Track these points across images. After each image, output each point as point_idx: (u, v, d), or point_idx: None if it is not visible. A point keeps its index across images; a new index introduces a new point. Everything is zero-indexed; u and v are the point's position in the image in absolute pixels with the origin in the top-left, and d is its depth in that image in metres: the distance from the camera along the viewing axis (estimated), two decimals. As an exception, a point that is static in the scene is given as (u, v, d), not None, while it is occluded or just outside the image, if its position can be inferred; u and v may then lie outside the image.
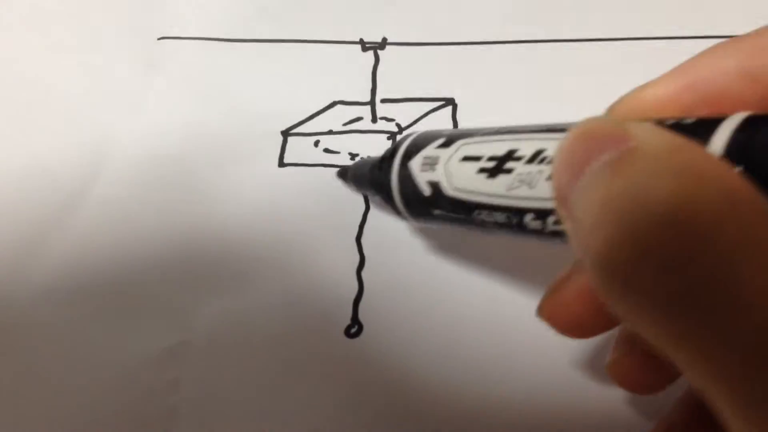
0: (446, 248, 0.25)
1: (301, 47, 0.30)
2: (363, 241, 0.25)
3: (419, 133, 0.20)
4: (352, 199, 0.26)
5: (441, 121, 0.27)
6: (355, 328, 0.23)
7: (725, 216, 0.10)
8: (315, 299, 0.24)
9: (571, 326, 0.17)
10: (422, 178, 0.19)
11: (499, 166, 0.16)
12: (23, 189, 0.27)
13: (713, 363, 0.10)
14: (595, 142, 0.12)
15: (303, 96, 0.28)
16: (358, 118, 0.28)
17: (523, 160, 0.15)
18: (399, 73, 0.29)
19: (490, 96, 0.28)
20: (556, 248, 0.17)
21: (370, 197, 0.26)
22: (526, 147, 0.16)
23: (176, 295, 0.24)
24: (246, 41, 0.30)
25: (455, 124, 0.27)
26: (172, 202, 0.26)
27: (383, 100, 0.28)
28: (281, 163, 0.27)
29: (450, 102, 0.28)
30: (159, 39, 0.30)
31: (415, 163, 0.19)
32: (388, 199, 0.21)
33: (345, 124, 0.28)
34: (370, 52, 0.29)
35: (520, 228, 0.16)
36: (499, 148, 0.16)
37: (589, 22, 0.29)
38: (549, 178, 0.15)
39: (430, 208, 0.19)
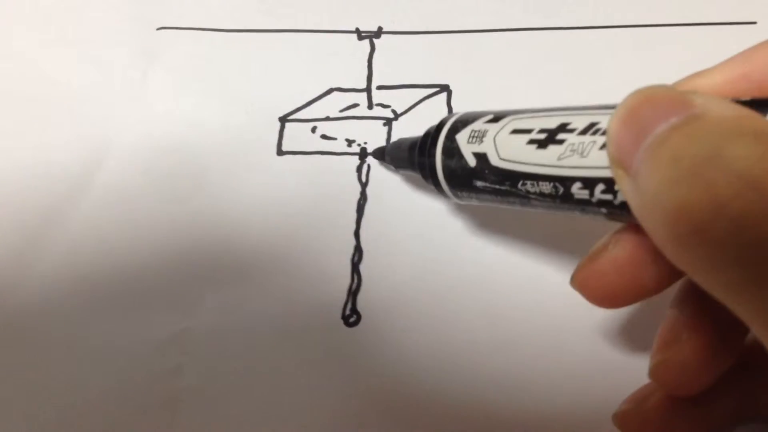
0: (443, 241, 0.25)
1: (298, 37, 0.30)
2: (361, 233, 0.25)
3: (464, 112, 0.21)
4: (350, 191, 0.26)
5: (436, 108, 0.28)
6: (353, 317, 0.24)
7: None
8: (315, 289, 0.24)
9: (604, 295, 0.18)
10: (468, 150, 0.19)
11: (550, 138, 0.17)
12: (27, 180, 0.27)
13: None
14: (659, 106, 0.13)
15: (300, 84, 0.29)
16: (355, 105, 0.28)
17: (575, 132, 0.16)
18: (394, 61, 0.29)
19: (484, 83, 0.28)
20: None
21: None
22: (578, 121, 0.16)
23: (179, 282, 0.25)
24: (244, 31, 0.30)
25: (450, 110, 0.28)
26: (173, 191, 0.27)
27: (379, 87, 0.28)
28: (279, 152, 0.27)
29: (445, 88, 0.28)
30: (158, 29, 0.30)
31: (462, 136, 0.20)
32: (429, 175, 0.21)
33: (342, 111, 0.28)
34: (366, 41, 0.30)
35: (566, 198, 0.16)
36: (551, 122, 0.17)
37: (585, 9, 0.29)
38: (602, 147, 0.15)
39: (473, 179, 0.19)
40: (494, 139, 0.19)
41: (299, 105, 0.28)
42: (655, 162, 0.13)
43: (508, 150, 0.18)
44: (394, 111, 0.28)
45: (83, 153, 0.28)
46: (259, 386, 0.23)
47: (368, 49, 0.29)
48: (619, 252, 0.17)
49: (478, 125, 0.19)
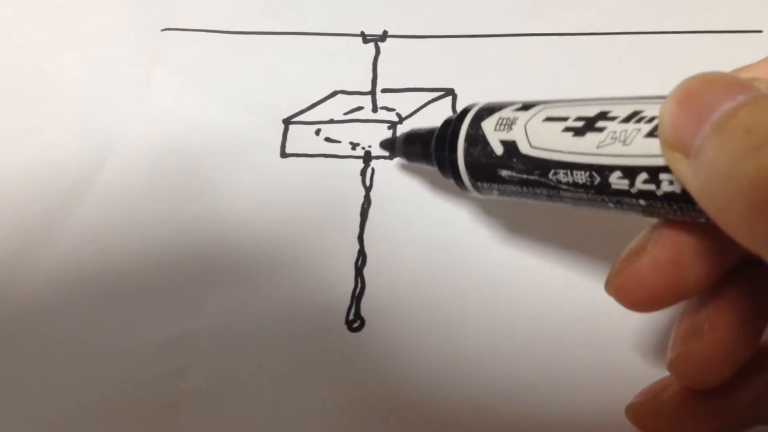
0: (448, 246, 0.25)
1: (303, 39, 0.30)
2: (365, 237, 0.25)
3: (486, 102, 0.20)
4: (354, 194, 0.26)
5: (441, 111, 0.28)
6: (357, 322, 0.24)
7: None
8: (318, 293, 0.24)
9: (644, 299, 0.17)
10: (495, 137, 0.19)
11: (588, 125, 0.16)
12: (30, 179, 0.27)
13: None
14: (722, 87, 0.13)
15: (305, 86, 0.29)
16: (359, 108, 0.28)
17: (617, 120, 0.15)
18: (399, 65, 0.29)
19: (489, 87, 0.28)
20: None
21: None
22: (619, 109, 0.16)
23: (181, 284, 0.25)
24: (248, 33, 0.30)
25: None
26: (176, 192, 0.27)
27: (384, 90, 0.28)
28: (283, 154, 0.27)
29: (450, 92, 0.28)
30: (162, 30, 0.30)
31: (488, 124, 0.19)
32: (448, 165, 0.21)
33: (346, 114, 0.28)
34: (371, 44, 0.30)
35: (601, 189, 0.16)
36: (588, 110, 0.16)
37: (591, 15, 0.29)
38: (648, 135, 0.15)
39: (499, 169, 0.19)
40: (525, 126, 0.18)
41: (303, 107, 0.28)
42: (726, 135, 0.13)
43: (541, 137, 0.17)
44: (398, 114, 0.28)
45: (87, 153, 0.28)
46: (262, 390, 0.23)
47: (373, 52, 0.29)
48: (659, 252, 0.16)
49: (506, 113, 0.19)
